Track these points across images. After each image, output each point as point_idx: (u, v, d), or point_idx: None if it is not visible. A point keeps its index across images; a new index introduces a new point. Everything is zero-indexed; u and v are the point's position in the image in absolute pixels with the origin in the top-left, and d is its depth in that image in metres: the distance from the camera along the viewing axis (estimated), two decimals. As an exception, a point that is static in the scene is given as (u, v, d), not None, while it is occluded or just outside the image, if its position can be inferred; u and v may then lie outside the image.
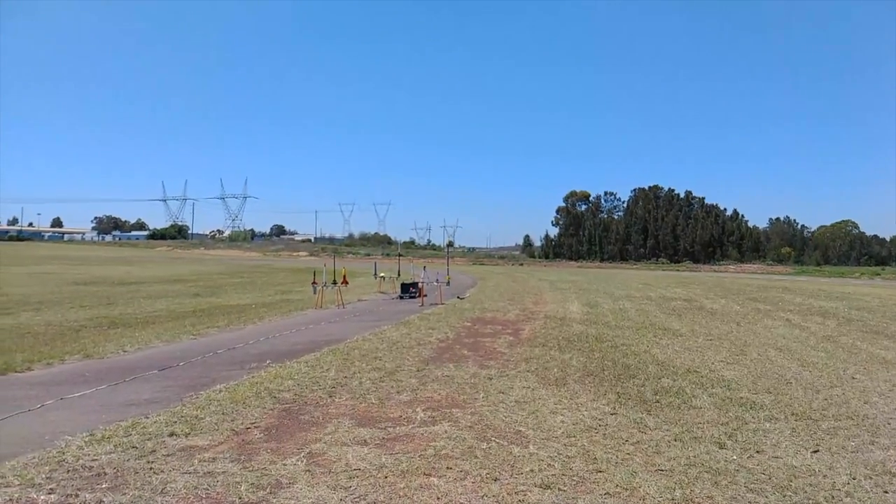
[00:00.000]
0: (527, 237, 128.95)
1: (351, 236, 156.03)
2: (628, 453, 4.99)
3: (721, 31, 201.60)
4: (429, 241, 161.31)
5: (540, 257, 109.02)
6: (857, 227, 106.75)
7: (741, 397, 7.16)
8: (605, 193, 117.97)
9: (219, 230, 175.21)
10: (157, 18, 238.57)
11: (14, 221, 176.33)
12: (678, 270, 79.36)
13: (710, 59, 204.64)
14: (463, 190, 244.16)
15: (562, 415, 6.16)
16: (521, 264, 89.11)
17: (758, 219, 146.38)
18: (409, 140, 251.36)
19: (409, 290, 21.05)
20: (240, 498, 3.90)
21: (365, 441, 5.14)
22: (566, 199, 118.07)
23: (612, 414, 6.26)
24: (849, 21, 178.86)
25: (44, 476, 4.17)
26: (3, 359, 8.45)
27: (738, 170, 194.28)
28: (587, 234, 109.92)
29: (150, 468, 4.35)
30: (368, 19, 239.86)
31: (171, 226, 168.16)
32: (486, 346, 10.64)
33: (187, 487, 4.02)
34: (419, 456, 4.77)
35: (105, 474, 4.23)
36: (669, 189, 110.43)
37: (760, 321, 16.13)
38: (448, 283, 23.87)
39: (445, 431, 5.46)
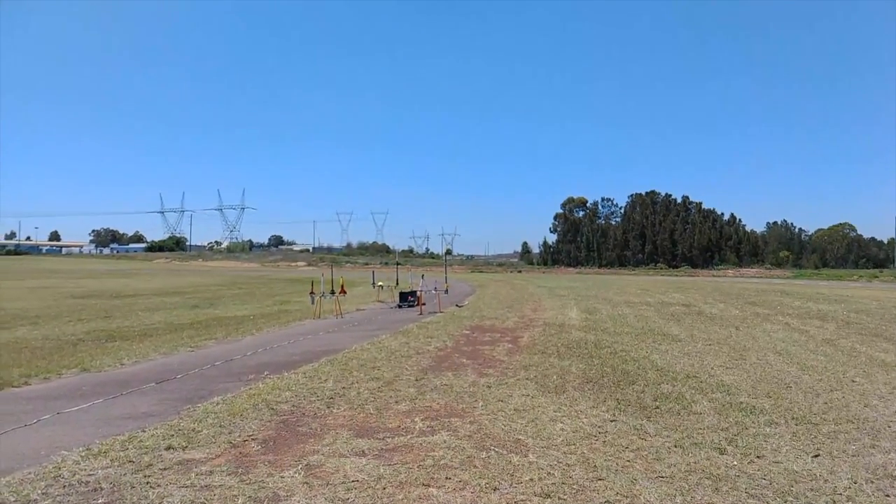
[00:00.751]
0: (525, 244, 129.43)
1: (349, 246, 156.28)
2: (628, 460, 4.96)
3: (719, 36, 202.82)
4: (427, 250, 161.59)
5: (538, 264, 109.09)
6: (854, 229, 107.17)
7: (741, 402, 7.14)
8: (603, 199, 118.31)
9: (217, 241, 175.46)
10: (155, 31, 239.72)
11: (12, 235, 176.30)
12: (676, 275, 79.39)
13: (706, 64, 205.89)
14: (461, 198, 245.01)
15: (561, 422, 6.13)
16: (520, 271, 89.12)
17: (755, 223, 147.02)
18: (407, 149, 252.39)
19: (408, 298, 21.03)
20: (237, 511, 3.86)
21: (363, 452, 5.10)
22: (564, 206, 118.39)
23: (611, 421, 6.23)
24: (847, 25, 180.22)
25: (40, 491, 4.13)
26: (0, 373, 8.41)
27: (736, 174, 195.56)
28: (585, 240, 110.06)
29: (147, 482, 4.32)
30: (366, 29, 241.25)
31: (169, 238, 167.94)
32: (484, 354, 10.61)
33: (184, 501, 3.99)
34: (418, 466, 4.74)
35: (101, 489, 4.19)
36: (667, 194, 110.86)
37: (759, 325, 16.12)
38: (446, 292, 23.86)
39: (444, 441, 5.43)
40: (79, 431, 5.74)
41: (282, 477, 4.48)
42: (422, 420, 6.16)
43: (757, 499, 4.20)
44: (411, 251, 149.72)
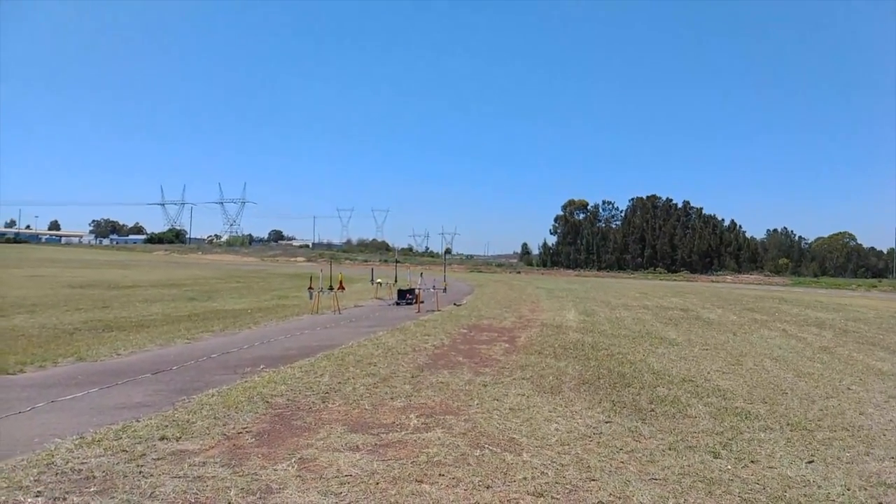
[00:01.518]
0: (525, 245, 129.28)
1: (349, 242, 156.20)
2: (622, 462, 4.96)
3: (721, 40, 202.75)
4: (427, 248, 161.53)
5: (538, 265, 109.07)
6: (854, 238, 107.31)
7: (736, 407, 7.14)
8: (603, 202, 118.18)
9: (217, 235, 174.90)
10: (156, 21, 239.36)
11: (11, 224, 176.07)
12: (675, 280, 79.41)
13: (709, 69, 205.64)
14: (462, 198, 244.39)
15: (556, 423, 6.13)
16: (519, 272, 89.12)
17: (755, 230, 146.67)
18: (409, 147, 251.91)
19: (406, 296, 21.02)
20: (229, 503, 3.86)
21: (357, 447, 5.10)
22: (564, 208, 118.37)
23: (606, 422, 6.23)
24: (848, 32, 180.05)
25: (32, 478, 4.13)
26: (-5, 361, 8.39)
27: (737, 180, 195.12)
28: (585, 242, 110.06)
29: (140, 472, 4.31)
30: (369, 24, 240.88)
31: (169, 230, 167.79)
32: (481, 353, 10.61)
33: (176, 492, 3.98)
34: (411, 462, 4.74)
35: (94, 477, 4.18)
36: (667, 199, 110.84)
37: (757, 331, 16.12)
38: (445, 290, 23.83)
39: (438, 438, 5.43)
40: (73, 420, 5.73)
41: (275, 469, 4.48)
42: (417, 417, 6.16)
43: (750, 503, 4.19)
44: (411, 249, 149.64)
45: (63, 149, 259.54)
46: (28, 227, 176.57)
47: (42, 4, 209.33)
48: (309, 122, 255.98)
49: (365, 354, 9.86)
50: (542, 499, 4.12)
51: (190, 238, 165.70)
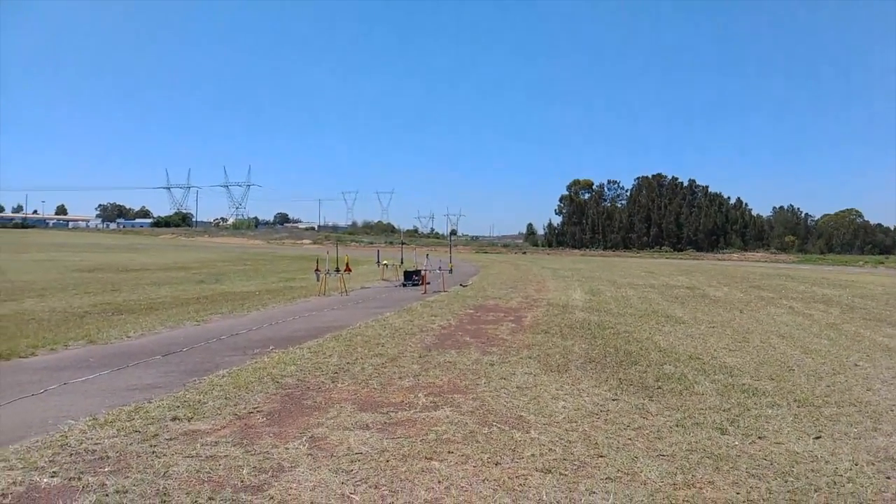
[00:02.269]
0: (530, 226, 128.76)
1: (354, 224, 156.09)
2: (630, 438, 5.00)
3: (723, 20, 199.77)
4: (432, 230, 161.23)
5: (543, 246, 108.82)
6: (861, 215, 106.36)
7: (743, 384, 7.16)
8: (609, 182, 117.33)
9: (223, 218, 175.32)
10: (160, 7, 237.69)
11: (19, 209, 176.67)
12: (681, 259, 79.20)
13: (713, 48, 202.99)
14: (466, 178, 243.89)
15: (563, 400, 6.16)
16: (524, 253, 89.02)
17: (761, 207, 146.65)
18: (413, 128, 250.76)
19: (412, 277, 21.06)
20: (241, 481, 3.91)
21: (367, 425, 5.15)
22: (569, 188, 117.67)
23: (613, 400, 6.26)
24: (852, 7, 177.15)
25: (47, 459, 4.19)
26: (7, 344, 8.48)
27: (742, 158, 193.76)
28: (590, 222, 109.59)
29: (153, 452, 4.37)
30: (369, 5, 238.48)
31: (176, 213, 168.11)
32: (488, 332, 10.65)
33: (189, 471, 4.04)
34: (420, 440, 4.78)
35: (108, 458, 4.24)
36: (673, 177, 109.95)
37: (763, 309, 16.11)
38: (451, 271, 23.86)
39: (447, 416, 5.47)
40: (85, 401, 5.80)
41: (286, 448, 4.53)
42: (425, 396, 6.20)
43: (757, 478, 4.22)
44: (416, 231, 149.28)
45: (69, 134, 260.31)
46: (35, 211, 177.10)
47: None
48: (313, 105, 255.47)
49: (373, 335, 9.91)
50: (550, 475, 4.15)
51: (196, 221, 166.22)
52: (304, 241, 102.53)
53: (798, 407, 6.22)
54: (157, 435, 4.74)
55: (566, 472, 4.21)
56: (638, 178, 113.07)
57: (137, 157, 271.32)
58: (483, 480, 4.02)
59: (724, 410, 5.97)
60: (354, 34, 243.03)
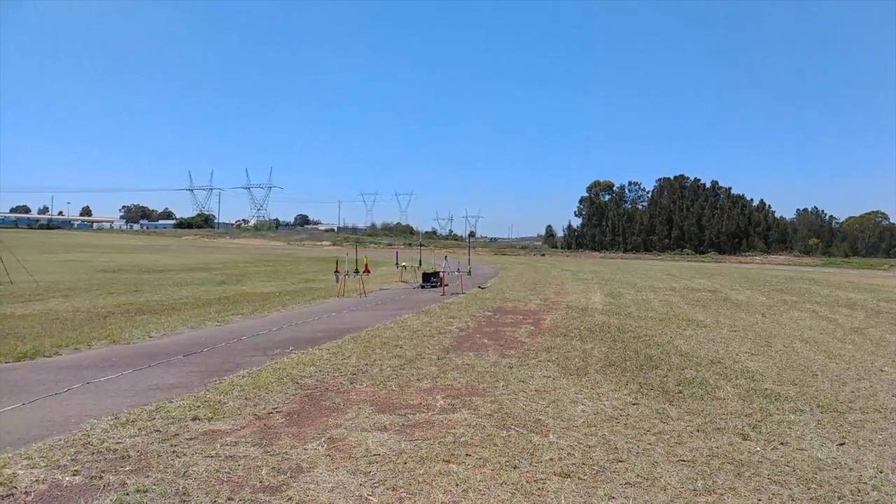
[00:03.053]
0: (549, 227, 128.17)
1: (373, 226, 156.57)
2: (650, 443, 4.94)
3: (750, 18, 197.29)
4: (450, 232, 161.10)
5: (562, 248, 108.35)
6: (886, 217, 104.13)
7: (766, 389, 7.05)
8: (630, 183, 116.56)
9: (244, 220, 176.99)
10: (184, 7, 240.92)
11: (44, 210, 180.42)
12: (703, 262, 78.33)
13: (736, 47, 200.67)
14: (485, 180, 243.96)
15: (582, 404, 6.12)
16: (543, 255, 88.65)
17: (785, 209, 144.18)
18: (433, 131, 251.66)
19: (431, 279, 21.08)
20: (261, 482, 3.94)
21: (385, 427, 5.16)
22: (589, 189, 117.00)
23: (633, 404, 6.20)
24: (873, 8, 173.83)
25: (69, 458, 4.25)
26: (32, 344, 8.64)
27: (766, 160, 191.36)
28: (610, 224, 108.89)
29: (174, 451, 4.42)
30: (393, 5, 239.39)
31: (198, 215, 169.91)
32: (506, 335, 10.62)
33: (209, 471, 4.08)
34: (438, 443, 4.78)
35: (129, 457, 4.30)
36: (695, 179, 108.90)
37: (786, 312, 15.86)
38: (469, 273, 23.87)
39: (465, 419, 5.46)
40: (107, 401, 5.88)
41: (305, 449, 4.55)
42: (443, 398, 6.20)
43: (780, 485, 4.16)
44: (434, 233, 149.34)
45: (94, 136, 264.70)
46: (60, 213, 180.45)
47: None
48: (335, 107, 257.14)
49: (391, 337, 9.93)
50: (568, 479, 4.12)
51: (218, 223, 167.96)
52: (324, 242, 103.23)
53: (821, 413, 6.12)
54: (177, 434, 4.79)
55: (585, 477, 4.18)
56: (659, 180, 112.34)
57: (161, 159, 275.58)
58: (501, 484, 4.01)
59: (745, 416, 5.89)
60: (378, 38, 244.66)
